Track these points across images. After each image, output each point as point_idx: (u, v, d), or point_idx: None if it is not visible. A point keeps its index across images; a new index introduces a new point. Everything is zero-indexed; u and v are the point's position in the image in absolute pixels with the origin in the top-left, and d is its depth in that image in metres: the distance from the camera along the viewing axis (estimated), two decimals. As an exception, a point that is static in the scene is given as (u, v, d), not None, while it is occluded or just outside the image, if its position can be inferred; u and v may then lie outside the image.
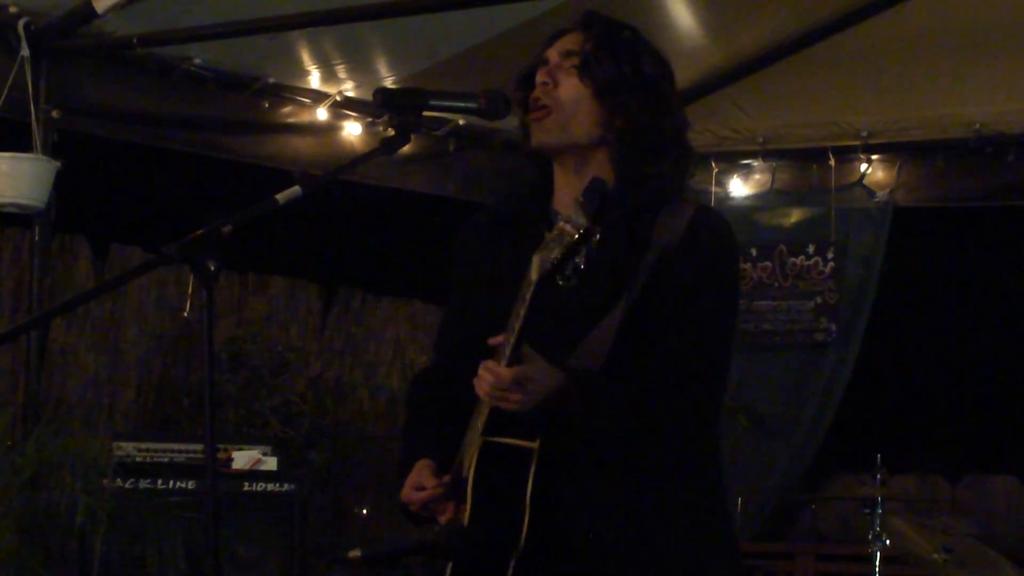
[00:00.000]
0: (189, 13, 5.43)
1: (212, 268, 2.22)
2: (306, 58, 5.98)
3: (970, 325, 7.60)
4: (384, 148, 2.50)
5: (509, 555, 2.40)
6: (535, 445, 2.42)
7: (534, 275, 2.31)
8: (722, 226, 2.59)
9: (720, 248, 2.57)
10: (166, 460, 5.38)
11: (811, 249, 6.95)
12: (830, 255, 6.90)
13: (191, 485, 5.30)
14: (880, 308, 6.90)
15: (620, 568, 2.46)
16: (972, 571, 4.87)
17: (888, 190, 6.84)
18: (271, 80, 6.05)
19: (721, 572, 2.56)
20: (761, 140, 6.94)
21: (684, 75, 6.13)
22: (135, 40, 5.44)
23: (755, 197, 7.12)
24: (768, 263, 7.02)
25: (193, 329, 6.32)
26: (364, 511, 6.63)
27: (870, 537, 5.10)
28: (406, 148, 2.56)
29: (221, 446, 5.45)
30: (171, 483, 5.28)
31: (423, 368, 2.91)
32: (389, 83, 5.98)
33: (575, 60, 2.58)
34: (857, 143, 6.76)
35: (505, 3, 5.21)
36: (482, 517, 2.45)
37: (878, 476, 5.18)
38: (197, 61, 5.77)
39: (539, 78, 2.59)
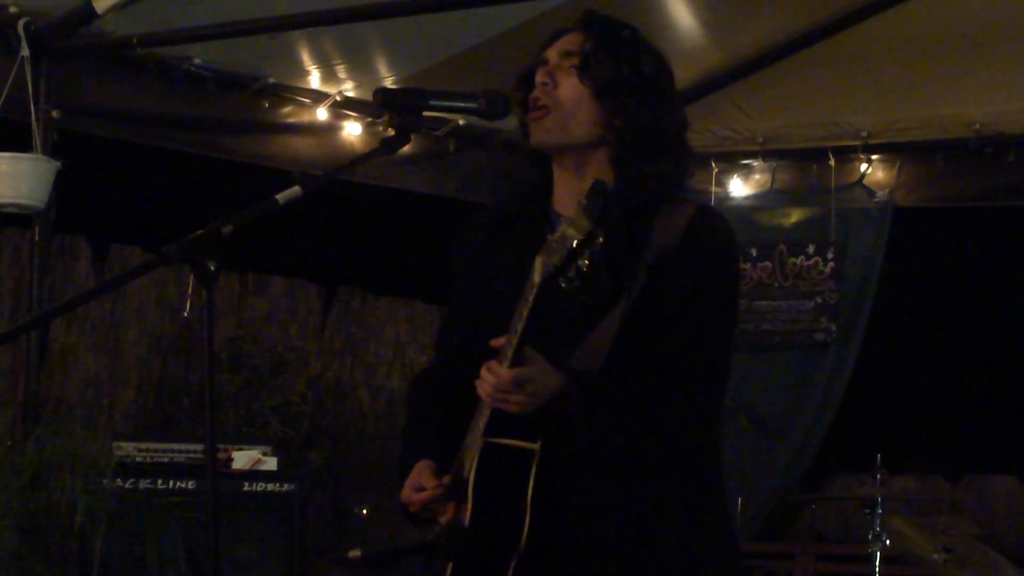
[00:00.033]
0: (189, 13, 5.43)
1: (212, 268, 2.23)
2: (306, 58, 5.98)
3: (970, 325, 7.59)
4: (384, 148, 2.50)
5: (510, 556, 2.40)
6: (536, 446, 2.42)
7: (537, 277, 2.32)
8: (722, 225, 2.60)
9: (720, 248, 2.57)
10: (166, 460, 5.38)
11: (811, 249, 6.95)
12: (830, 255, 6.89)
13: (191, 485, 5.29)
14: (880, 308, 6.90)
15: (620, 569, 2.46)
16: (972, 571, 4.87)
17: (888, 190, 6.84)
18: (271, 80, 6.05)
19: (721, 572, 2.56)
20: (761, 140, 6.93)
21: (684, 75, 6.13)
22: (135, 40, 5.44)
23: (755, 197, 7.12)
24: (768, 263, 7.02)
25: (193, 329, 6.32)
26: (364, 511, 6.63)
27: (870, 537, 5.10)
28: (406, 148, 2.56)
29: (221, 446, 5.45)
30: (171, 483, 5.28)
31: (423, 368, 2.91)
32: (389, 83, 5.98)
33: (575, 60, 2.58)
34: (857, 143, 6.76)
35: (505, 3, 5.21)
36: (483, 518, 2.45)
37: (878, 476, 5.18)
38: (197, 61, 5.77)
39: (539, 78, 2.60)
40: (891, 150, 6.78)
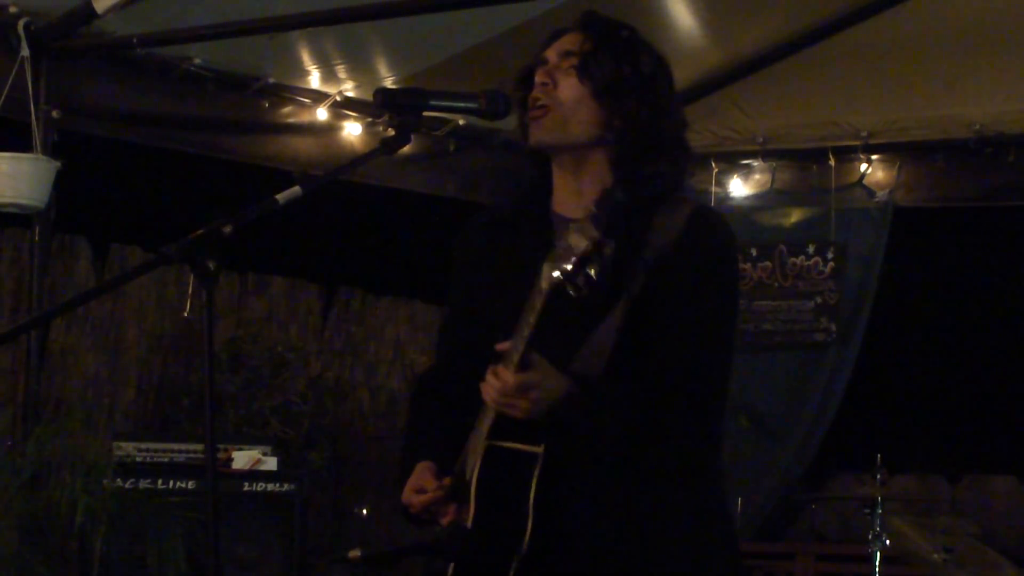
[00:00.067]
0: (189, 13, 5.43)
1: (212, 268, 2.23)
2: (306, 58, 5.98)
3: (970, 325, 7.59)
4: (384, 148, 2.50)
5: (512, 558, 2.40)
6: (540, 450, 2.42)
7: (544, 284, 2.30)
8: (720, 225, 2.59)
9: (719, 247, 2.56)
10: (166, 460, 5.39)
11: (811, 249, 6.95)
12: (830, 255, 6.89)
13: (191, 485, 5.30)
14: (880, 308, 6.90)
15: (621, 570, 2.46)
16: (972, 571, 4.87)
17: (888, 190, 6.84)
18: (271, 80, 6.05)
19: (721, 572, 2.56)
20: (761, 140, 6.93)
21: (684, 75, 6.15)
22: (135, 40, 5.44)
23: (755, 197, 7.12)
24: (768, 263, 7.02)
25: (193, 329, 6.32)
26: (364, 511, 6.62)
27: (870, 537, 5.10)
28: (406, 148, 2.56)
29: (221, 446, 5.45)
30: (171, 483, 5.28)
31: (425, 370, 2.91)
32: (389, 83, 5.98)
33: (574, 60, 2.58)
34: (857, 143, 6.76)
35: (505, 3, 5.21)
36: (485, 520, 2.46)
37: (878, 476, 5.18)
38: (197, 61, 5.77)
39: (538, 78, 2.60)
40: (891, 150, 6.78)
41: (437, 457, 2.58)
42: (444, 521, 2.53)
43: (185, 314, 5.93)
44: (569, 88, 2.57)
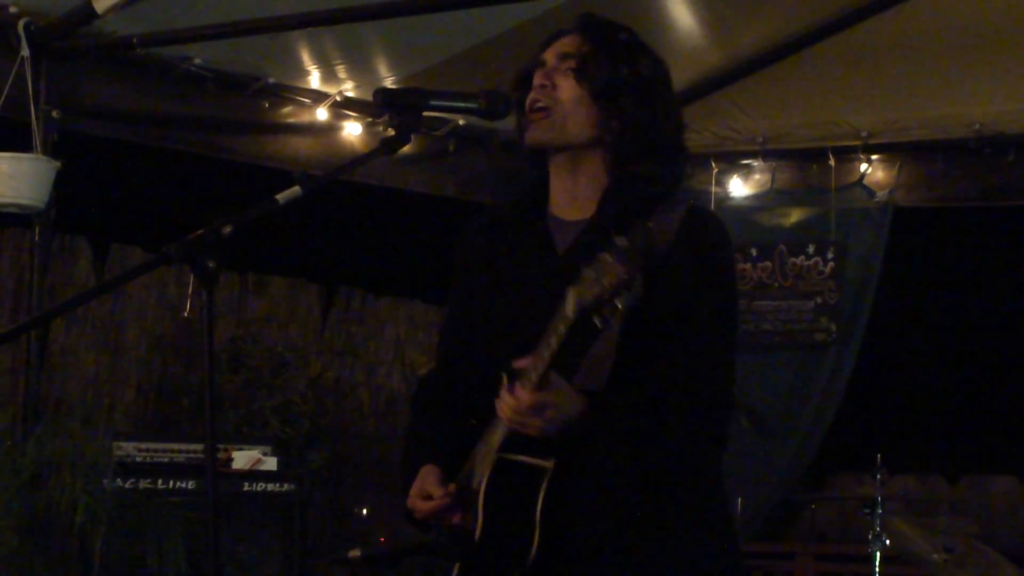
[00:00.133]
0: (189, 13, 5.43)
1: (212, 268, 2.22)
2: (306, 58, 5.98)
3: (970, 325, 7.60)
4: (384, 148, 2.50)
5: (517, 570, 2.41)
6: (550, 464, 2.43)
7: (570, 311, 2.28)
8: (715, 225, 2.59)
9: (715, 248, 2.56)
10: (166, 460, 5.39)
11: (811, 249, 6.95)
12: (830, 255, 6.89)
13: (191, 485, 5.30)
14: (880, 308, 6.90)
15: (621, 571, 2.47)
16: (972, 571, 4.87)
17: (888, 190, 6.84)
18: (271, 80, 6.05)
19: (722, 573, 2.56)
20: (761, 140, 6.93)
21: (684, 75, 6.16)
22: (135, 40, 5.45)
23: (755, 197, 7.11)
24: (768, 263, 7.02)
25: (193, 329, 6.32)
26: (364, 511, 6.63)
27: (870, 537, 5.09)
28: (406, 148, 2.56)
29: (221, 446, 5.45)
30: (171, 483, 5.28)
31: (427, 372, 2.90)
32: (389, 83, 5.98)
33: (572, 63, 2.58)
34: (857, 143, 6.76)
35: (505, 3, 5.21)
36: (492, 532, 2.46)
37: (878, 476, 5.18)
38: (197, 61, 5.77)
39: (537, 80, 2.60)
40: (891, 150, 6.78)
41: (440, 461, 2.58)
42: (447, 527, 2.54)
43: (185, 314, 5.94)
44: (568, 90, 2.57)
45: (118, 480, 5.04)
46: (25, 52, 5.19)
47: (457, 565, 2.56)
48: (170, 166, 6.52)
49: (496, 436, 2.47)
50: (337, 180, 2.63)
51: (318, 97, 6.19)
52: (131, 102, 5.81)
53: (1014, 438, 7.10)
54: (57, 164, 5.15)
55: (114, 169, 6.62)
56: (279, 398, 6.45)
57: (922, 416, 7.58)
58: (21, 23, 5.21)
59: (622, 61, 2.57)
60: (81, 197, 5.94)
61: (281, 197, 2.32)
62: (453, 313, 2.78)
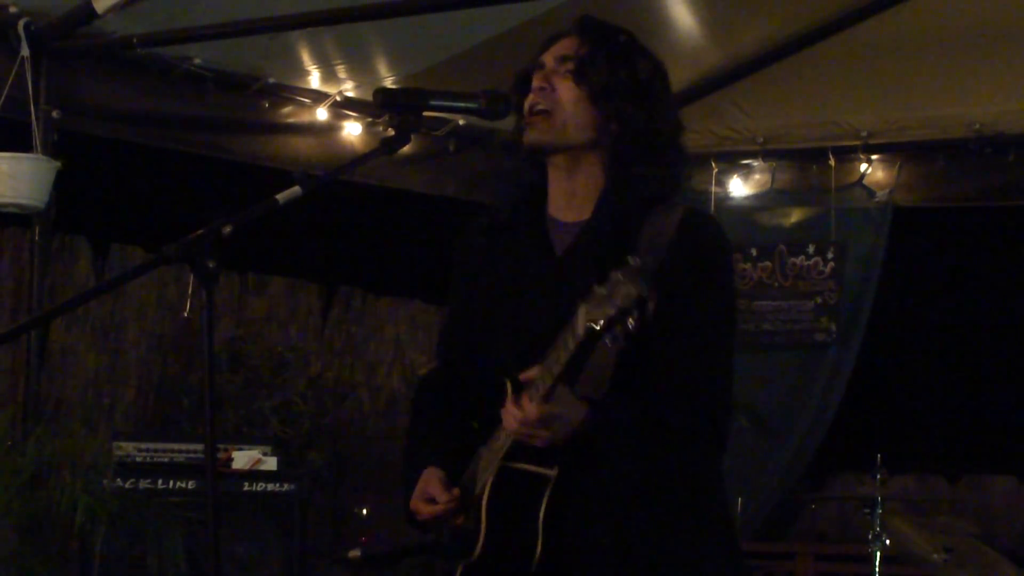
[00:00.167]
0: (189, 13, 5.43)
1: (212, 268, 2.22)
2: (306, 58, 5.98)
3: (970, 325, 7.60)
4: (384, 148, 2.50)
5: None
6: (553, 472, 2.43)
7: (580, 329, 2.24)
8: (713, 228, 2.59)
9: (713, 251, 2.56)
10: (166, 460, 5.39)
11: (811, 249, 6.95)
12: (830, 255, 6.90)
13: (191, 485, 5.30)
14: (880, 308, 6.90)
15: (620, 571, 2.47)
16: (972, 571, 4.87)
17: (888, 190, 6.84)
18: (271, 80, 6.05)
19: (722, 573, 2.56)
20: (761, 140, 6.93)
21: (684, 75, 6.17)
22: (135, 40, 5.44)
23: (755, 197, 7.12)
24: (768, 263, 7.02)
25: (193, 329, 6.32)
26: (364, 511, 6.62)
27: (870, 537, 5.09)
28: (406, 148, 2.56)
29: (221, 446, 5.45)
30: (171, 483, 5.28)
31: (427, 373, 2.90)
32: (389, 83, 5.98)
33: (570, 65, 2.58)
34: (857, 143, 6.76)
35: (505, 3, 5.21)
36: (495, 540, 2.47)
37: (878, 476, 5.18)
38: (197, 61, 5.77)
39: (535, 82, 2.60)
40: (891, 150, 6.78)
41: (442, 463, 2.59)
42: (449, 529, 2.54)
43: (185, 314, 5.94)
44: (566, 92, 2.57)
45: (118, 480, 5.04)
46: (25, 52, 5.19)
47: (459, 572, 2.56)
48: (170, 166, 6.52)
49: (499, 443, 2.48)
50: (337, 180, 2.63)
51: (318, 97, 6.19)
52: (131, 102, 5.81)
53: (1014, 438, 7.10)
54: (57, 164, 5.14)
55: (114, 169, 6.62)
56: (279, 398, 6.45)
57: (922, 416, 7.58)
58: (21, 23, 5.21)
59: (620, 63, 2.57)
60: (81, 197, 5.94)
61: (281, 197, 2.32)
62: (453, 314, 2.78)
